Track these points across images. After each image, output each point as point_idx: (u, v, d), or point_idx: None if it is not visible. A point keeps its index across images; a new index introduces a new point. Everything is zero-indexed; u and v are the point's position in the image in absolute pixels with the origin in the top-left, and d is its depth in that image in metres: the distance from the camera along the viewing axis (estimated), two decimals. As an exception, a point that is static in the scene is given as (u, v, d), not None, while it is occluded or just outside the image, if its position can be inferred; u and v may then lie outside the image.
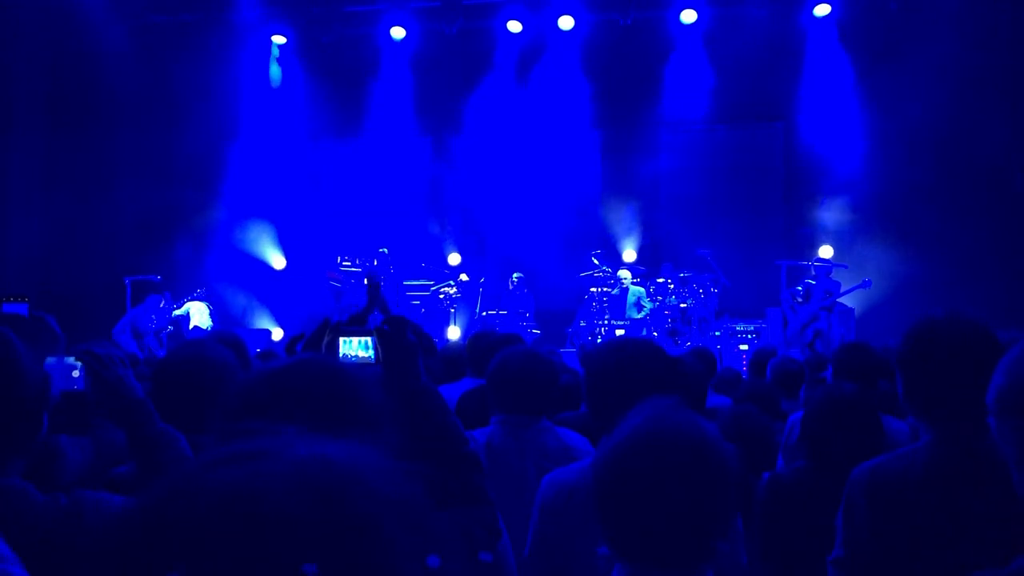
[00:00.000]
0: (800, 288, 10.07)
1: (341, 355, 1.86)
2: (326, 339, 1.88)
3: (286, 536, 0.57)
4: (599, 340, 10.20)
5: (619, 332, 10.43)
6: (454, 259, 12.80)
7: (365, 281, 11.16)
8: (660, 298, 10.97)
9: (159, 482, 0.62)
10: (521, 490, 2.31)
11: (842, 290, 9.98)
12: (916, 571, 1.91)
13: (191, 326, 11.08)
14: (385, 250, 11.78)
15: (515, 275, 11.56)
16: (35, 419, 1.62)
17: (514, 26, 12.32)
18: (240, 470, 0.60)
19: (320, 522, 0.58)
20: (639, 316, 10.79)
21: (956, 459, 1.93)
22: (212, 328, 10.89)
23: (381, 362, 1.79)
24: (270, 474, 0.59)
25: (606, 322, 10.88)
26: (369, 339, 1.84)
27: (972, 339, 1.98)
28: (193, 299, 11.27)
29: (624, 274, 11.09)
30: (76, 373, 2.05)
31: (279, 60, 13.27)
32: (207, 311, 11.27)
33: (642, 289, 11.01)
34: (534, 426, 2.70)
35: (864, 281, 9.83)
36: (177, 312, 11.08)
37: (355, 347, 1.86)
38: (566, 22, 12.20)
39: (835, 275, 10.26)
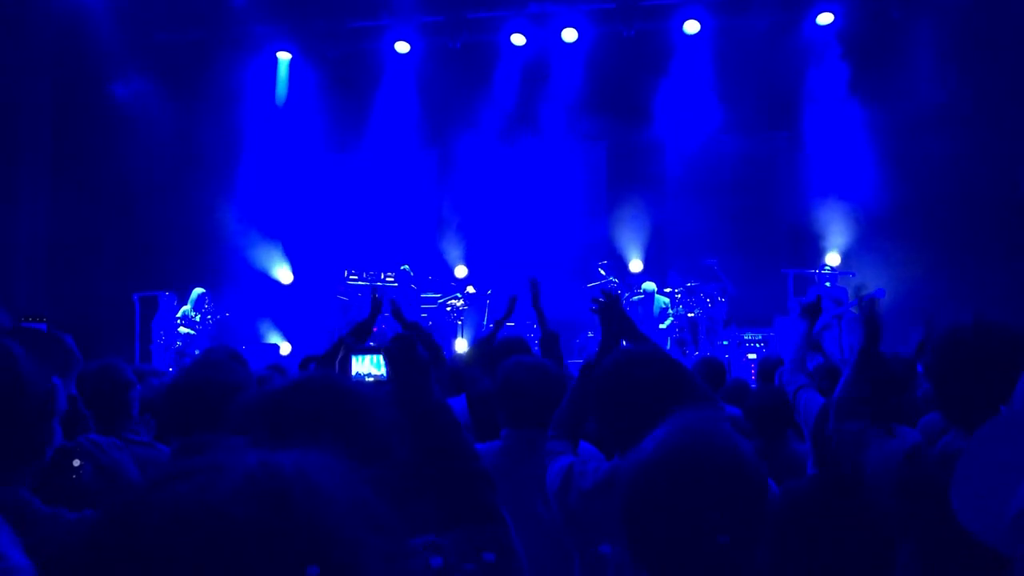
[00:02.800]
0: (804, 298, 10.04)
1: (354, 373, 1.86)
2: (339, 356, 1.89)
3: (238, 546, 0.57)
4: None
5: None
6: (461, 271, 12.82)
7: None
8: (670, 309, 11.00)
9: (108, 502, 0.62)
10: (532, 505, 2.30)
11: (853, 298, 9.94)
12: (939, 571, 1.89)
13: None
14: (406, 267, 11.80)
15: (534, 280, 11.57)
16: (39, 430, 1.63)
17: (518, 39, 12.37)
18: (188, 484, 0.60)
19: (271, 529, 0.58)
20: (664, 326, 10.84)
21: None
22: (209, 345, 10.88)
23: (391, 380, 1.77)
24: (218, 486, 0.60)
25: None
26: (381, 356, 1.83)
27: (1001, 343, 1.98)
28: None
29: (649, 285, 11.13)
30: None
31: (285, 75, 13.35)
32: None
33: (667, 299, 11.05)
34: (544, 440, 2.69)
35: (877, 290, 9.79)
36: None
37: (367, 365, 1.86)
38: (569, 35, 12.23)
39: (842, 283, 10.23)
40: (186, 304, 11.06)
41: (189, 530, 0.57)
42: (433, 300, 11.85)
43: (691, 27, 11.90)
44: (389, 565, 0.62)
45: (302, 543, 0.58)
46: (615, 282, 11.40)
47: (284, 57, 13.23)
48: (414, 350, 1.74)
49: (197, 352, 10.38)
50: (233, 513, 0.58)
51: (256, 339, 12.31)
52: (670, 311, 10.97)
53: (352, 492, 0.64)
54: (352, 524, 0.61)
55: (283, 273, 13.18)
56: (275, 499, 0.60)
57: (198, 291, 11.16)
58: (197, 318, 11.03)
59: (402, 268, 11.83)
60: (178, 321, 10.91)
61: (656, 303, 11.05)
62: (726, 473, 1.30)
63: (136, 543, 0.58)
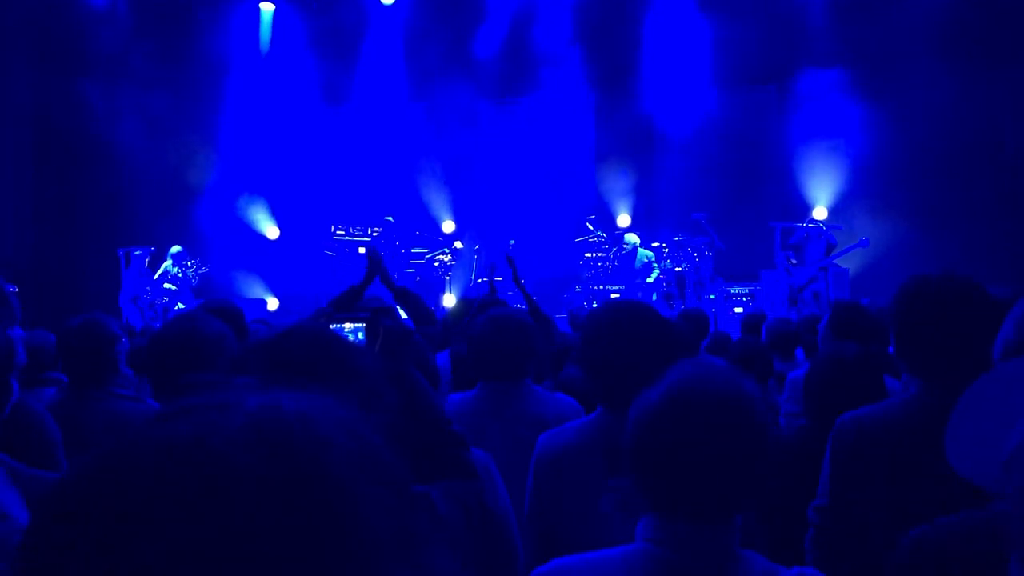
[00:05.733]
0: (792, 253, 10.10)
1: None
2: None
3: (234, 491, 0.54)
4: (593, 304, 10.25)
5: (614, 296, 10.45)
6: (448, 226, 12.77)
7: (361, 251, 11.15)
8: (655, 263, 11.02)
9: (104, 441, 0.59)
10: (507, 454, 2.34)
11: (839, 250, 10.00)
12: (898, 518, 1.94)
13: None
14: (391, 218, 11.74)
15: (511, 241, 11.56)
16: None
17: (505, -10, 12.20)
18: (187, 423, 0.58)
19: (271, 475, 0.55)
20: (650, 280, 10.85)
21: (944, 410, 1.95)
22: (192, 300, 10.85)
23: (373, 348, 1.81)
24: (218, 425, 0.57)
25: (601, 287, 10.92)
26: (361, 325, 1.86)
27: (963, 294, 2.00)
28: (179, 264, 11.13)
29: (632, 238, 11.12)
30: None
31: (268, 27, 13.13)
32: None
33: (651, 252, 11.05)
34: (515, 391, 2.73)
35: (861, 240, 9.85)
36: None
37: (346, 333, 1.89)
38: (558, -14, 12.07)
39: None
40: (166, 260, 11.04)
41: (183, 470, 0.54)
42: (420, 255, 11.83)
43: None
44: (394, 517, 0.59)
45: (303, 492, 0.56)
46: (602, 236, 11.40)
47: (267, 8, 12.99)
48: (396, 319, 1.77)
49: (181, 306, 10.39)
50: (232, 456, 0.55)
51: (242, 294, 12.28)
52: (655, 265, 10.98)
53: (359, 441, 0.61)
54: (357, 475, 0.58)
55: (269, 228, 13.10)
56: (278, 444, 0.57)
57: (176, 248, 11.14)
58: (180, 274, 11.00)
59: (386, 219, 11.76)
60: (167, 277, 10.90)
61: (639, 256, 11.04)
62: (728, 406, 1.34)
63: (127, 481, 0.55)
